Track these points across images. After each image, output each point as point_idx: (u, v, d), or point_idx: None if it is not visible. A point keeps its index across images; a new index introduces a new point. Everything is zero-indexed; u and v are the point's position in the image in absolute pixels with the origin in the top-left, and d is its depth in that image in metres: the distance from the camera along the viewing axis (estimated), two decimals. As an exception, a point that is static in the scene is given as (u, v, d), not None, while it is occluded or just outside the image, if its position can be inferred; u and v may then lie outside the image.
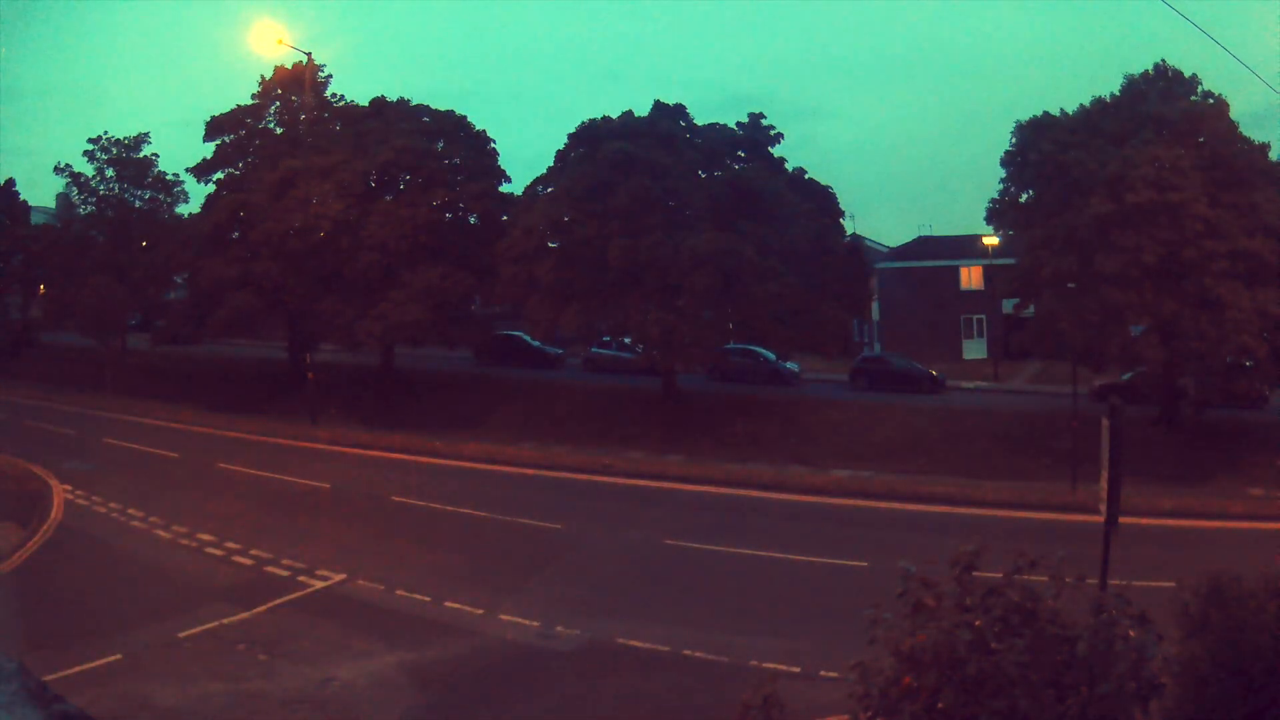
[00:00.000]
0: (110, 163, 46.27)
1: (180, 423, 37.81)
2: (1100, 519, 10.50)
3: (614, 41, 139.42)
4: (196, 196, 60.98)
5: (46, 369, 49.54)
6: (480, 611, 17.17)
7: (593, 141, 36.44)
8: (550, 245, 36.85)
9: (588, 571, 20.17)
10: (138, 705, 13.37)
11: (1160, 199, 27.76)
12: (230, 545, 20.94)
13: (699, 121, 39.17)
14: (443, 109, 43.79)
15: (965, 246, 50.05)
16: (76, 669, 13.97)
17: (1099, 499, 10.66)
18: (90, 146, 45.93)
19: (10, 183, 54.39)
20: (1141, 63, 47.13)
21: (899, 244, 59.86)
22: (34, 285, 52.91)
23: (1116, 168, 28.37)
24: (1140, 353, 29.76)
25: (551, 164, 38.89)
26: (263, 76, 43.74)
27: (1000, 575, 6.15)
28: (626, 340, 38.67)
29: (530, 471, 30.04)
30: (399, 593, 18.12)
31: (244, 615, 16.87)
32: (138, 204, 47.18)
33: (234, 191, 43.08)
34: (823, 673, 12.95)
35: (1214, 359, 28.53)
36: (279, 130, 43.83)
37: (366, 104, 44.57)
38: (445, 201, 41.70)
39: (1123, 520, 10.51)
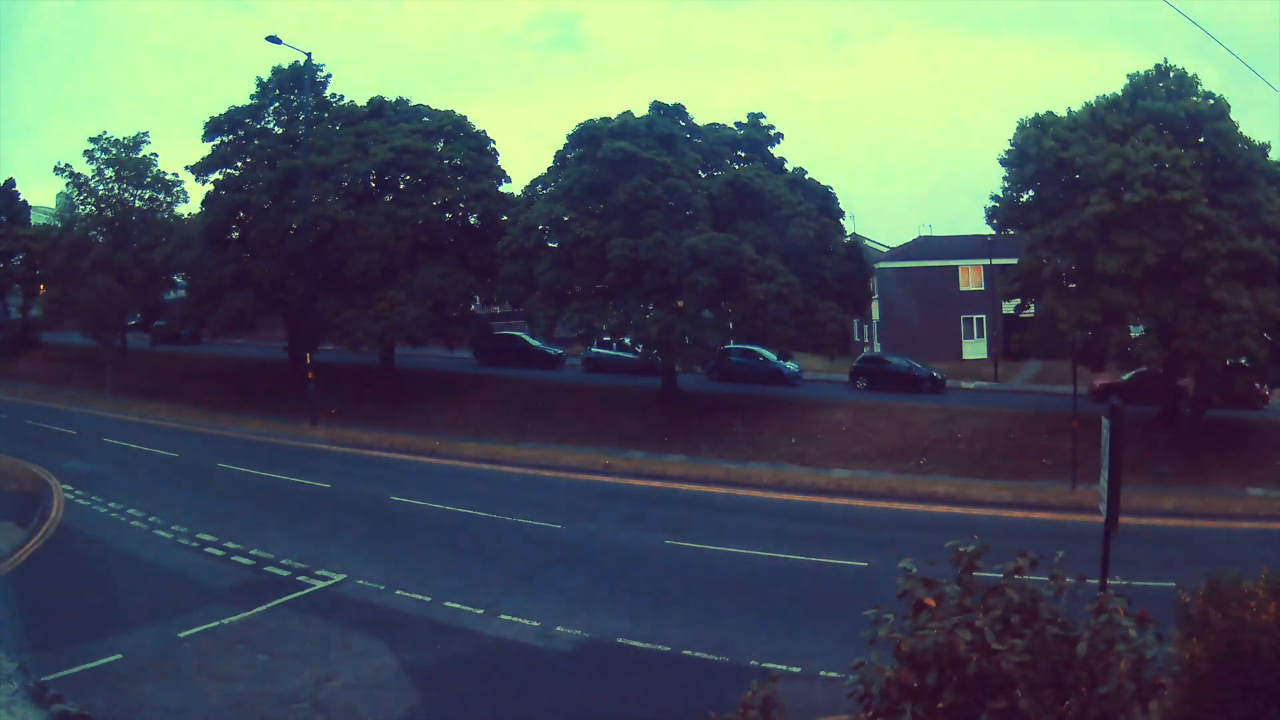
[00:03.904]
0: (109, 163, 46.23)
1: (180, 422, 37.87)
2: (1100, 519, 10.49)
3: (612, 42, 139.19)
4: (196, 196, 60.95)
5: (46, 369, 49.59)
6: (480, 611, 17.19)
7: (591, 142, 36.42)
8: (549, 245, 36.88)
9: (587, 571, 20.19)
10: (138, 705, 13.38)
11: (1161, 198, 27.74)
12: (230, 545, 20.95)
13: (699, 122, 39.25)
14: (443, 109, 43.93)
15: (965, 246, 50.02)
16: (76, 669, 13.98)
17: (1099, 499, 10.66)
18: (90, 146, 45.98)
19: (10, 183, 54.38)
20: (1142, 65, 47.03)
21: (899, 244, 59.82)
22: (34, 285, 52.85)
23: (1117, 166, 28.34)
24: (1140, 353, 29.72)
25: (551, 164, 38.93)
26: (259, 79, 43.75)
27: (1000, 575, 6.16)
28: (626, 340, 38.64)
29: (530, 471, 30.08)
30: (399, 593, 18.12)
31: (244, 615, 16.87)
32: (137, 204, 47.14)
33: (233, 191, 43.09)
34: (823, 673, 12.98)
35: (1214, 359, 28.49)
36: (278, 130, 43.80)
37: (365, 104, 44.57)
38: (445, 201, 41.71)
39: (1123, 520, 10.50)
